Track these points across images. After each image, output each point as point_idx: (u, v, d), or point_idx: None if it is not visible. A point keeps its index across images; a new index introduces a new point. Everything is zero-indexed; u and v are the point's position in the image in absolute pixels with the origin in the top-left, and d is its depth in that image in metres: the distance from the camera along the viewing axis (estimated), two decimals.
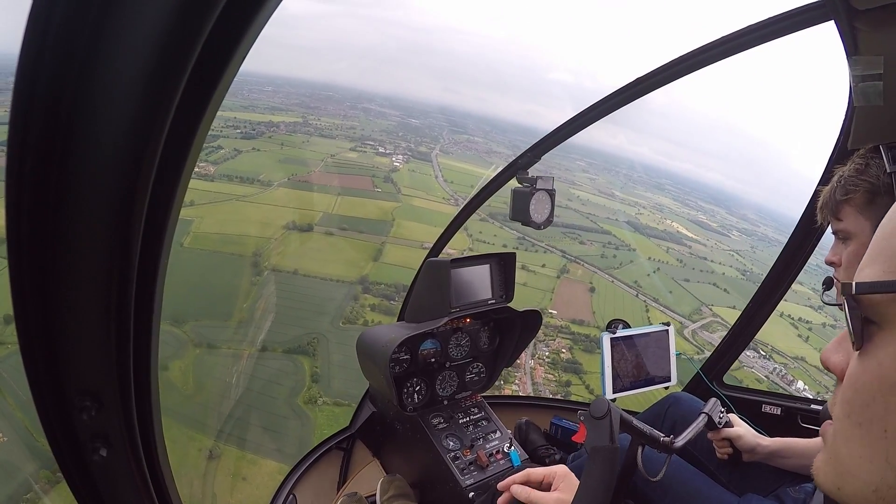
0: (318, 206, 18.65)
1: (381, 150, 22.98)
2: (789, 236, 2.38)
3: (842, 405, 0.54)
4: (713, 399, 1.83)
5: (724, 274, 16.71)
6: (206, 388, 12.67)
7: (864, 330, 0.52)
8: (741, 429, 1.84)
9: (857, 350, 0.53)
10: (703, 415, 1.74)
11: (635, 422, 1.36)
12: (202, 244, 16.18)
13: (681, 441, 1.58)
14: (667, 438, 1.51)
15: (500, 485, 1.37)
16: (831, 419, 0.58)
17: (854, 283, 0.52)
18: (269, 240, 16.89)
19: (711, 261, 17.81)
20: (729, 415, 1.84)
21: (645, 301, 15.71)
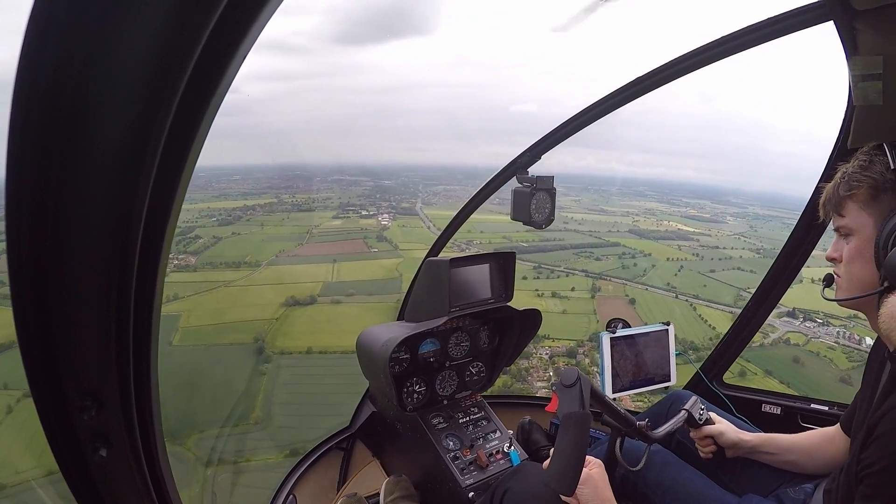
0: (316, 277, 17.22)
1: (363, 212, 22.46)
2: (789, 235, 2.38)
3: None
4: (694, 397, 1.86)
5: (741, 257, 16.54)
6: None
7: None
8: (722, 425, 1.85)
9: None
10: (683, 411, 1.77)
11: (606, 397, 1.38)
12: (194, 340, 13.90)
13: (661, 431, 1.59)
14: (642, 422, 1.52)
15: None
16: None
17: None
18: (270, 321, 14.74)
19: (724, 248, 17.66)
20: (709, 413, 1.86)
21: (687, 300, 15.14)
